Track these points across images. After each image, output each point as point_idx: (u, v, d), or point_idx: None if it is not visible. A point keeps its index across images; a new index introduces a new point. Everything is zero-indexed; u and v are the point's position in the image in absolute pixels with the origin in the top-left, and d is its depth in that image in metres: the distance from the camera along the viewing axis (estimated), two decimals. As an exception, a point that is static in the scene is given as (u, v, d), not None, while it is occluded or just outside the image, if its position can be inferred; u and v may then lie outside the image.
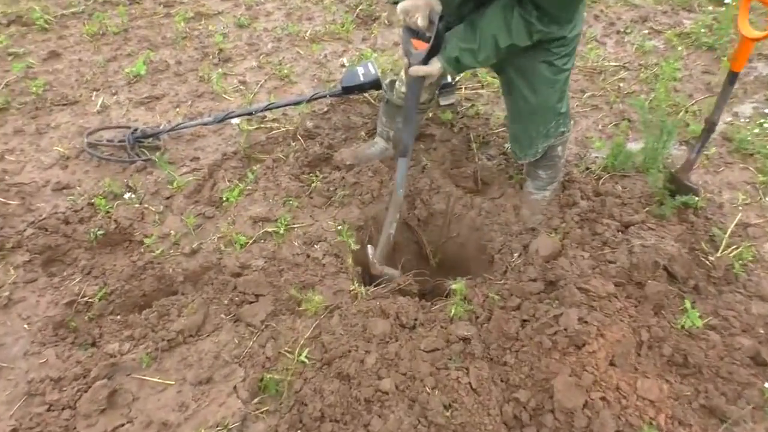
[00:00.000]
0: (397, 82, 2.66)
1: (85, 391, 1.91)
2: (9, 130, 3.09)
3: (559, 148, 2.57)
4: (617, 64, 3.92)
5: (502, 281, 2.30)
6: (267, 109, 3.05)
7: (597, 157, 3.07)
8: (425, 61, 2.06)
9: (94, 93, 3.42)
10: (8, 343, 2.10)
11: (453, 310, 2.17)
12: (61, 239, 2.47)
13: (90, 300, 2.21)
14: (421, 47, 2.04)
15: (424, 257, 2.82)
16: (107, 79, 3.56)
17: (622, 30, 4.39)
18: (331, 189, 2.74)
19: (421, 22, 1.96)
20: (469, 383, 1.89)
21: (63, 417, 1.87)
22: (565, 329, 1.98)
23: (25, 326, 2.15)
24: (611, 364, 1.97)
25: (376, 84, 2.99)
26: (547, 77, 2.23)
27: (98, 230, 2.49)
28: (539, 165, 2.64)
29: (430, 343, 2.03)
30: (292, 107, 3.19)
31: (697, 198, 2.60)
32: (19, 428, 1.82)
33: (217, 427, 1.84)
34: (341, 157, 2.84)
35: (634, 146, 3.14)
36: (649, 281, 2.26)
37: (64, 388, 1.94)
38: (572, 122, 2.68)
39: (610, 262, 2.35)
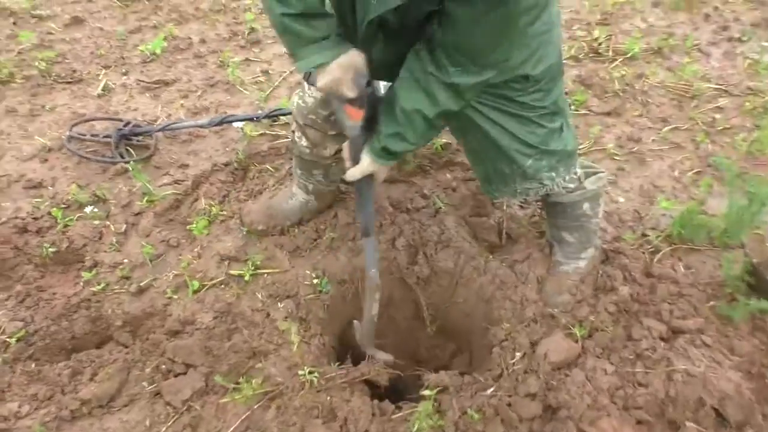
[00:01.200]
0: (296, 134, 2.14)
1: (-39, 465, 1.64)
2: (2, 108, 2.86)
3: (586, 205, 2.00)
4: (718, 86, 3.16)
5: (492, 390, 1.81)
6: (271, 115, 2.63)
7: (663, 216, 2.44)
8: (367, 128, 1.67)
9: (103, 71, 3.13)
10: None
11: (416, 426, 1.71)
12: (10, 252, 2.21)
13: (8, 339, 1.93)
14: (357, 116, 1.64)
15: (421, 320, 2.35)
16: (122, 54, 3.25)
17: (735, 37, 3.58)
18: (321, 228, 2.30)
19: (351, 93, 1.58)
20: None
21: (-69, 493, 1.61)
22: (546, 495, 1.48)
23: (-65, 361, 1.90)
24: None
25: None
26: (511, 113, 1.71)
27: (50, 247, 2.20)
28: (560, 225, 2.09)
29: (373, 473, 1.59)
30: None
31: (780, 307, 1.95)
32: None
33: None
34: (249, 219, 2.30)
35: (715, 206, 2.48)
36: (687, 424, 1.70)
37: (-58, 456, 1.68)
38: (603, 173, 2.06)
39: (641, 385, 1.80)
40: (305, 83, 1.96)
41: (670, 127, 2.91)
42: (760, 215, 2.19)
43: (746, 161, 2.73)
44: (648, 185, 2.61)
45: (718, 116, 2.97)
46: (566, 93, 3.03)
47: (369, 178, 1.77)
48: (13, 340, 1.93)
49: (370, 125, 1.67)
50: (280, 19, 1.50)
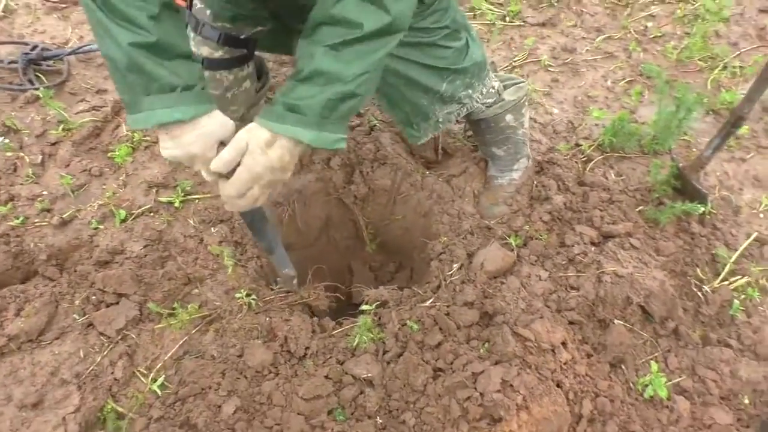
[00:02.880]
0: None
1: None
2: None
3: (508, 117, 1.99)
4: (651, -7, 3.15)
5: (430, 301, 1.83)
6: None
7: (596, 126, 2.46)
8: None
9: (5, -10, 2.85)
10: None
11: (357, 339, 1.72)
12: None
13: None
14: None
15: (361, 240, 2.34)
16: (26, -29, 2.96)
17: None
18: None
19: (208, 175, 1.27)
20: (343, 457, 1.48)
21: None
22: (482, 395, 1.53)
23: None
24: (535, 443, 1.53)
25: None
26: (413, 42, 1.63)
27: (-40, 182, 2.05)
28: (488, 141, 2.08)
29: (314, 387, 1.60)
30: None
31: (702, 207, 2.02)
32: None
33: (30, 474, 1.49)
34: None
35: (646, 114, 2.52)
36: (615, 322, 1.77)
37: None
38: (523, 83, 2.03)
39: (573, 288, 1.85)
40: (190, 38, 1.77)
41: (603, 36, 2.90)
42: (688, 121, 2.23)
43: (677, 69, 2.77)
44: (582, 96, 2.62)
45: (650, 24, 2.98)
46: (500, 3, 2.97)
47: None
48: (-74, 280, 1.82)
49: None
50: (127, 51, 1.12)
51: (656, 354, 1.75)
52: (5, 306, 1.78)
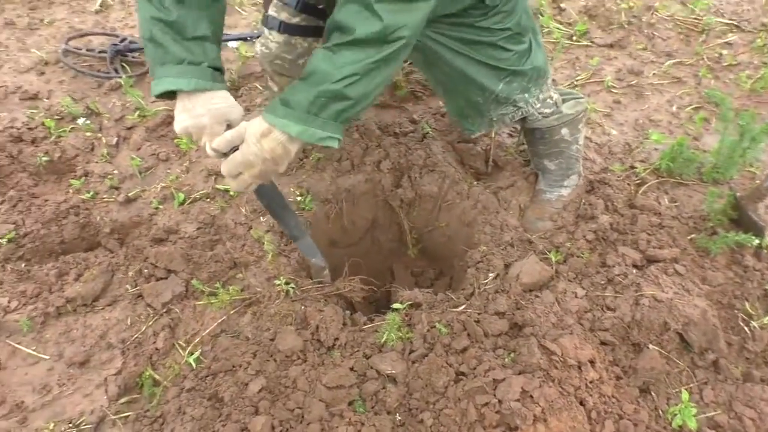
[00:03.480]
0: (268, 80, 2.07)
1: (-46, 351, 1.73)
2: (1, 21, 2.86)
3: (564, 131, 1.99)
4: (730, 21, 3.06)
5: (462, 307, 1.85)
6: (265, 35, 2.60)
7: (656, 150, 2.41)
8: None
9: (102, -13, 3.10)
10: None
11: (385, 336, 1.76)
12: (5, 159, 2.26)
13: (0, 240, 2.00)
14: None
15: (404, 243, 2.38)
16: (122, -29, 3.21)
17: (757, -27, 3.43)
18: (308, 148, 2.32)
19: (210, 150, 1.37)
20: (357, 446, 1.52)
21: (-75, 374, 1.71)
22: (500, 402, 1.53)
23: (-67, 257, 1.98)
24: (550, 457, 1.52)
25: None
26: (474, 40, 1.67)
27: (44, 156, 2.25)
28: (540, 152, 2.08)
29: (338, 376, 1.65)
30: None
31: (758, 240, 1.95)
32: None
33: (70, 423, 1.61)
34: None
35: (710, 142, 2.45)
36: (650, 347, 1.73)
37: (-63, 342, 1.77)
38: (583, 98, 2.04)
39: (609, 308, 1.82)
40: (265, 29, 1.92)
41: (673, 61, 2.84)
42: (753, 152, 2.16)
43: (749, 98, 2.67)
44: (643, 119, 2.57)
45: (725, 52, 2.89)
46: (569, 22, 2.96)
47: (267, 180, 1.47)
48: (3, 241, 1.99)
49: None
50: (149, 24, 1.27)
51: (691, 385, 1.69)
52: (67, 270, 1.93)
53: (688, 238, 2.06)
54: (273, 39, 1.93)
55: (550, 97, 1.91)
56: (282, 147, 1.33)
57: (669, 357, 1.72)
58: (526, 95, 1.83)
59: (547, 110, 1.92)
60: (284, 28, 1.89)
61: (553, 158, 2.07)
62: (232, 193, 2.16)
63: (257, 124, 1.33)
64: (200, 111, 1.32)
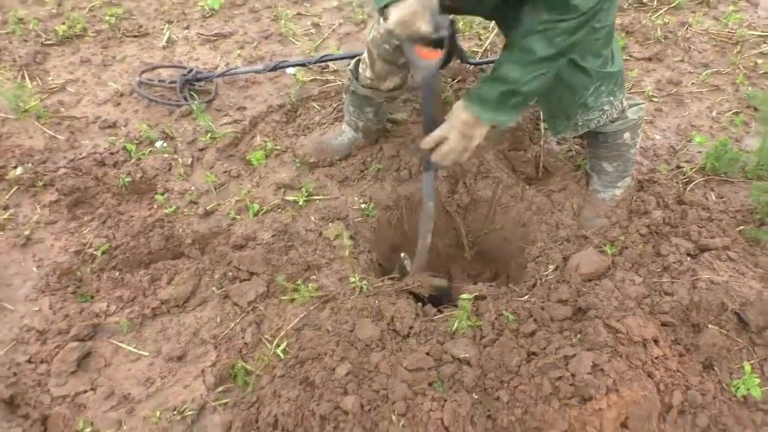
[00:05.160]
0: (361, 65, 2.27)
1: (62, 349, 1.90)
2: (77, 59, 3.12)
3: (626, 135, 2.12)
4: (763, 33, 3.19)
5: (526, 297, 1.97)
6: (322, 60, 2.81)
7: (698, 152, 2.53)
8: (442, 66, 1.71)
9: (167, 26, 3.36)
10: (15, 284, 2.13)
11: (456, 324, 1.89)
12: (92, 182, 2.46)
13: (95, 252, 2.19)
14: (432, 55, 1.66)
15: (461, 247, 2.51)
16: (183, 11, 3.47)
17: (785, -12, 3.56)
18: (368, 160, 2.48)
19: (425, 27, 1.59)
20: (441, 419, 1.63)
21: (38, 371, 1.87)
22: (573, 376, 1.64)
23: (35, 269, 2.17)
24: (623, 426, 1.61)
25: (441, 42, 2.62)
26: (578, 40, 1.75)
27: (126, 177, 2.45)
28: (601, 155, 2.20)
29: (416, 360, 1.77)
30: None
31: (806, 227, 2.04)
32: (-2, 375, 1.85)
33: (174, 411, 1.75)
34: (302, 152, 2.48)
35: (751, 143, 2.56)
36: (709, 326, 1.82)
37: (46, 342, 1.94)
38: (643, 104, 2.17)
39: (667, 293, 1.93)
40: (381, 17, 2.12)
41: (710, 71, 2.97)
42: (794, 147, 2.26)
43: (784, 102, 2.77)
44: (685, 124, 2.70)
45: (760, 61, 3.01)
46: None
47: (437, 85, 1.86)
48: (98, 253, 2.18)
49: (446, 62, 1.71)
50: None
51: (752, 361, 1.77)
52: (159, 276, 2.11)
53: (737, 230, 2.16)
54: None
55: (621, 102, 2.05)
56: (472, 126, 1.78)
57: (728, 336, 1.81)
58: (611, 98, 1.98)
59: (615, 115, 2.06)
60: None
61: (612, 161, 2.20)
62: (301, 203, 2.32)
63: (458, 108, 1.78)
64: (410, 1, 1.57)
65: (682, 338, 1.81)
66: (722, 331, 1.81)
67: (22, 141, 2.62)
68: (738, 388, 1.69)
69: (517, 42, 1.70)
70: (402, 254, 2.24)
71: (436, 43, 1.66)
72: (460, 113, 1.78)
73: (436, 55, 1.68)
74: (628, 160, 2.23)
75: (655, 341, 1.75)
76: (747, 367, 1.70)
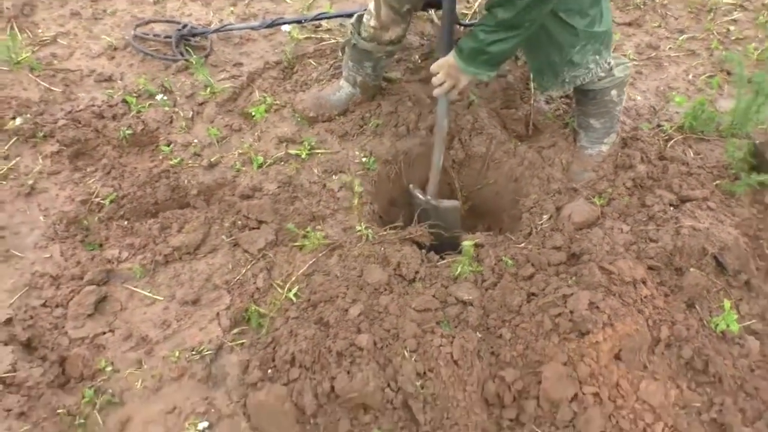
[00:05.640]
0: (366, 16, 2.35)
1: (78, 293, 1.95)
2: (67, 11, 3.08)
3: (613, 92, 2.25)
4: (734, 1, 3.34)
5: (523, 244, 2.10)
6: (317, 18, 2.85)
7: (676, 113, 2.68)
8: None
9: (156, -19, 3.32)
10: (23, 233, 2.16)
11: (459, 269, 2.01)
12: (92, 134, 2.48)
13: (102, 201, 2.22)
14: None
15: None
16: (172, -33, 3.44)
17: (755, -41, 3.72)
18: (366, 116, 2.56)
19: None
20: (450, 354, 1.76)
21: (54, 314, 1.93)
22: (571, 312, 1.79)
23: (41, 218, 2.20)
24: (617, 358, 1.77)
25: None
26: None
27: (127, 129, 2.47)
28: (589, 112, 2.33)
29: (424, 301, 1.89)
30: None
31: (778, 180, 2.21)
32: (14, 318, 1.89)
33: (192, 351, 1.84)
34: (301, 106, 2.55)
35: (725, 105, 2.72)
36: (691, 269, 1.99)
37: (60, 287, 1.99)
38: (629, 63, 2.32)
39: (652, 240, 2.08)
40: None
41: (686, 36, 3.11)
42: (766, 108, 2.42)
43: (757, 67, 2.94)
44: (664, 86, 2.84)
45: (732, 28, 3.17)
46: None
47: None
48: (106, 202, 2.22)
49: None
50: None
51: (729, 301, 1.95)
52: (169, 224, 2.17)
53: (714, 183, 2.32)
54: None
55: (609, 62, 2.17)
56: (455, 69, 2.04)
57: (708, 278, 1.98)
58: (597, 56, 2.09)
59: (603, 74, 2.17)
60: None
61: (599, 117, 2.32)
62: (304, 156, 2.39)
63: (450, 54, 2.03)
64: None
65: (667, 280, 1.97)
66: (703, 273, 1.98)
67: (17, 93, 2.60)
68: (718, 324, 1.86)
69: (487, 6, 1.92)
70: (410, 185, 2.37)
71: None
72: (450, 55, 2.03)
73: None
74: (614, 117, 2.36)
75: (644, 282, 1.90)
76: (727, 305, 1.87)
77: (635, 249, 2.05)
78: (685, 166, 2.36)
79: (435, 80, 2.11)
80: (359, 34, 2.39)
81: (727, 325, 1.84)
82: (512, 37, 1.91)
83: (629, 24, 3.20)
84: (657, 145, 2.47)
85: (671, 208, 2.16)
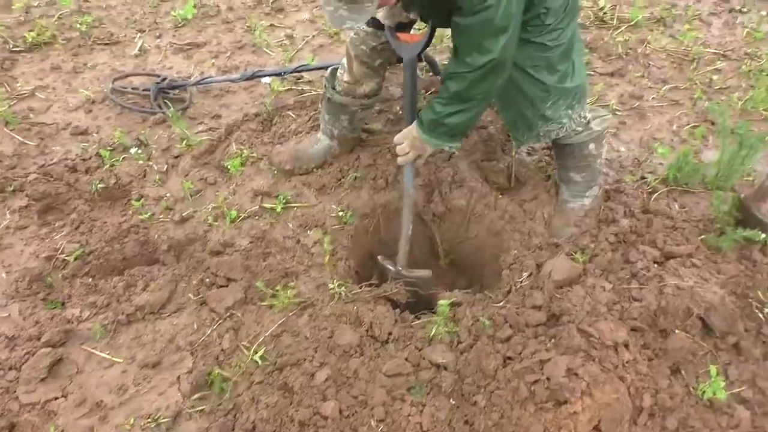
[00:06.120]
0: (339, 70, 2.35)
1: (33, 355, 1.86)
2: (47, 65, 3.08)
3: (591, 146, 2.21)
4: (717, 51, 3.34)
5: (501, 303, 2.01)
6: (297, 71, 2.84)
7: (660, 164, 2.63)
8: (422, 50, 1.94)
9: (138, 34, 3.34)
10: (-17, 291, 2.08)
11: (434, 330, 1.92)
12: (63, 188, 2.43)
13: (67, 258, 2.15)
14: (414, 39, 1.87)
15: (435, 255, 2.55)
16: (156, 20, 3.47)
17: (736, 8, 3.75)
18: (344, 168, 2.51)
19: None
20: (420, 424, 1.65)
21: (7, 378, 1.84)
22: (548, 379, 1.69)
23: (4, 275, 2.13)
24: (596, 430, 1.66)
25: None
26: (532, 55, 1.92)
27: (99, 183, 2.42)
28: (569, 165, 2.28)
29: (396, 365, 1.80)
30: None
31: (764, 235, 2.14)
32: (-36, 379, 1.80)
33: (148, 418, 1.74)
34: (278, 159, 2.50)
35: (710, 156, 2.68)
36: (676, 331, 1.90)
37: (15, 348, 1.90)
38: (608, 115, 2.30)
39: (635, 299, 1.99)
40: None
41: (669, 86, 3.09)
42: (751, 161, 2.38)
43: (741, 117, 2.91)
44: (647, 137, 2.80)
45: (715, 77, 3.16)
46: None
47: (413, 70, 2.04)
48: (71, 258, 2.15)
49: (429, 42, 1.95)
50: None
51: (717, 366, 1.85)
52: (134, 282, 2.09)
53: (700, 238, 2.25)
54: (363, 28, 2.17)
55: (585, 116, 2.13)
56: (420, 141, 2.03)
57: (694, 340, 1.89)
58: (570, 111, 2.06)
59: (580, 128, 2.14)
60: (373, 23, 2.14)
61: (580, 171, 2.27)
62: (279, 210, 2.33)
63: (413, 125, 2.04)
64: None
65: (651, 343, 1.88)
66: (688, 335, 1.89)
67: (-11, 146, 2.57)
68: (704, 391, 1.76)
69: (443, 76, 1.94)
70: (378, 257, 2.28)
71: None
72: (414, 127, 2.03)
73: (417, 38, 1.93)
74: (595, 170, 2.31)
75: (626, 345, 1.81)
76: (713, 371, 1.77)
77: (618, 309, 1.96)
78: (669, 219, 2.30)
79: (399, 150, 2.09)
80: (334, 88, 2.36)
81: (714, 393, 1.74)
82: (467, 109, 1.93)
83: (612, 74, 3.18)
84: (641, 198, 2.41)
85: (655, 265, 2.09)
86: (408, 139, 2.05)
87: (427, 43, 1.97)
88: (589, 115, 2.17)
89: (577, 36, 2.03)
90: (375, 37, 2.19)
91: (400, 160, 2.11)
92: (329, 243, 2.12)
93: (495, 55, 1.77)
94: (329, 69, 2.40)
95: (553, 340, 1.83)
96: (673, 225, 2.28)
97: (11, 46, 3.16)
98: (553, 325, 1.92)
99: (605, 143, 2.29)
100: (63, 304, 2.08)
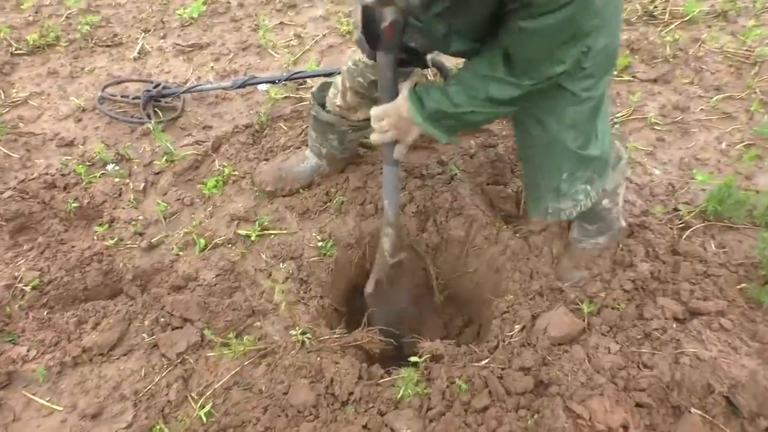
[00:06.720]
0: (331, 90, 2.07)
1: (-30, 400, 1.74)
2: (45, 70, 2.99)
3: (605, 201, 1.86)
4: (785, 53, 2.87)
5: (485, 361, 1.74)
6: (291, 78, 2.61)
7: (702, 191, 2.25)
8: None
9: (142, 35, 3.20)
10: (-65, 322, 1.98)
11: (402, 391, 1.67)
12: (37, 206, 2.31)
13: (24, 288, 2.02)
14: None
15: (431, 289, 2.29)
16: (162, 19, 3.31)
17: (816, 1, 3.24)
18: (332, 191, 2.27)
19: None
20: None
21: (-59, 423, 1.72)
22: (521, 472, 1.41)
23: (-38, 304, 2.02)
24: None
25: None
26: (559, 107, 1.57)
27: (73, 202, 2.29)
28: (579, 215, 1.95)
29: (349, 436, 1.57)
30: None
31: (816, 291, 1.76)
32: None
33: (76, 482, 1.58)
34: (259, 179, 2.27)
35: (764, 182, 2.28)
36: (692, 410, 1.57)
37: (-45, 390, 1.78)
38: (623, 159, 1.90)
39: (645, 366, 1.68)
40: (360, 49, 1.93)
41: (722, 95, 2.67)
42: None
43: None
44: (689, 158, 2.42)
45: (778, 85, 2.71)
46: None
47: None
48: (28, 288, 2.02)
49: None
50: None
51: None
52: (86, 319, 1.94)
53: (738, 288, 1.90)
54: (362, 60, 1.91)
55: (604, 188, 1.79)
56: (406, 121, 1.66)
57: (714, 423, 1.56)
58: (588, 188, 1.72)
59: (590, 206, 1.80)
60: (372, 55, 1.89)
61: (591, 222, 1.95)
62: (253, 238, 2.13)
63: (402, 100, 1.65)
64: None
65: (659, 424, 1.56)
66: (706, 416, 1.56)
67: (-29, 160, 2.49)
68: (718, 492, 1.45)
69: (478, 70, 1.54)
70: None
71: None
72: (402, 102, 1.66)
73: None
74: (612, 219, 1.97)
75: (625, 428, 1.50)
76: (729, 469, 1.45)
77: (623, 376, 1.65)
78: (702, 264, 1.94)
79: (377, 126, 1.73)
80: (322, 105, 2.12)
81: (730, 499, 1.41)
82: (496, 112, 1.64)
83: (655, 80, 2.78)
84: (669, 234, 2.06)
85: (674, 324, 1.75)
86: (392, 118, 1.69)
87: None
88: (609, 187, 1.82)
89: (607, 95, 1.68)
90: (374, 71, 1.92)
91: (375, 137, 1.76)
92: (279, 293, 1.89)
93: (567, 67, 1.45)
94: (317, 85, 2.15)
95: (534, 417, 1.55)
96: (706, 271, 1.92)
97: (14, 49, 3.08)
98: (539, 395, 1.63)
99: (621, 191, 1.94)
100: (18, 337, 1.95)
